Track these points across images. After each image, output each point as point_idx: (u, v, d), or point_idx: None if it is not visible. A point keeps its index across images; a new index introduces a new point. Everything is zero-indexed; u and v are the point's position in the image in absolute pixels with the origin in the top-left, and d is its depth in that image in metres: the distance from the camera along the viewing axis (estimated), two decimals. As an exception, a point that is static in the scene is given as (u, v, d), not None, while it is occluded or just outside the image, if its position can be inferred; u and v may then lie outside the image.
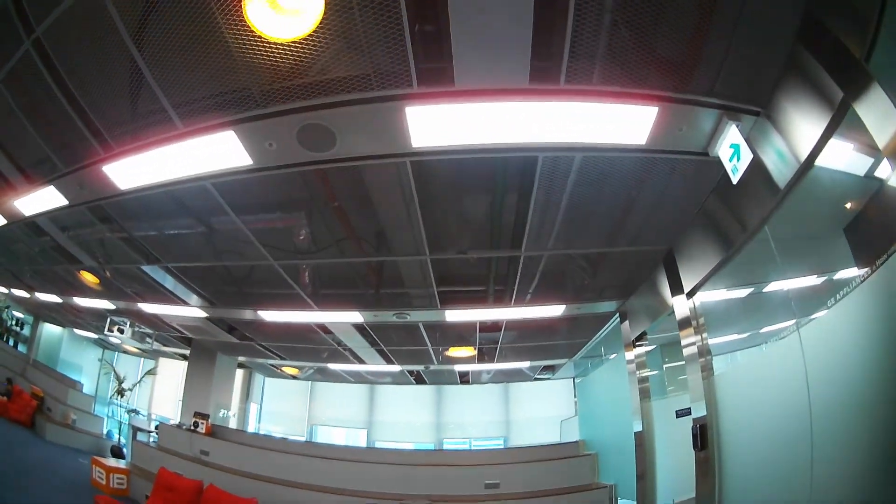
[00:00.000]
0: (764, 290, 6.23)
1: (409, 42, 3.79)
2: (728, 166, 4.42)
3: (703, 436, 5.92)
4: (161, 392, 21.11)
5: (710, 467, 5.81)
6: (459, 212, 6.26)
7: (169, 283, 9.70)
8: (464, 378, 18.51)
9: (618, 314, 9.76)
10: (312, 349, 14.77)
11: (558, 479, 10.88)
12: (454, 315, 9.62)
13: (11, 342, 19.48)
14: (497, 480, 10.64)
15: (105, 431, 18.13)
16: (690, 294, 6.49)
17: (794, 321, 4.58)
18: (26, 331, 19.97)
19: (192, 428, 13.52)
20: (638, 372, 8.93)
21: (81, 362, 20.88)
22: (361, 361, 15.38)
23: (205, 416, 13.80)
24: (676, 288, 6.82)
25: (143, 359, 21.86)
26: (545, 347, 13.58)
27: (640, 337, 8.80)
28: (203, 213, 6.62)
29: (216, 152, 5.00)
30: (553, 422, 17.45)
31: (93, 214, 7.22)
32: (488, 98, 4.17)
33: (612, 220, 6.23)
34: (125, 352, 21.08)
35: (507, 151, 4.78)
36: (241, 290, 9.53)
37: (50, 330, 20.11)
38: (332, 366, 16.93)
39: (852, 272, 3.88)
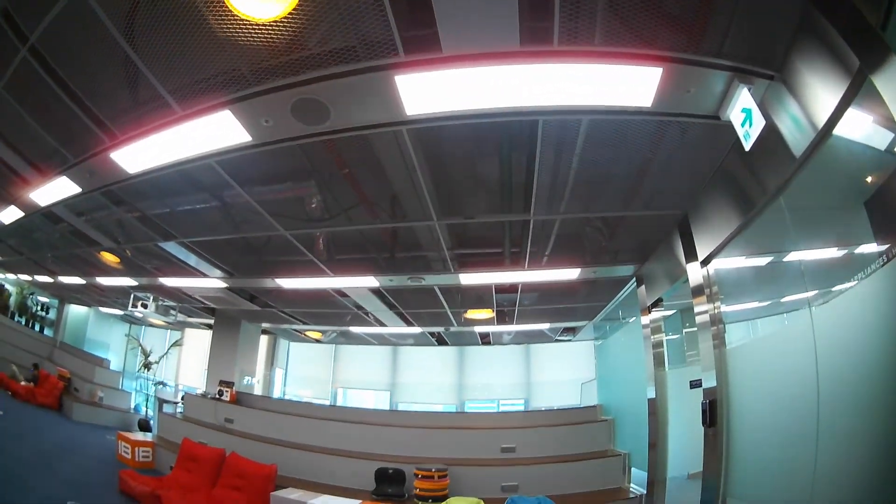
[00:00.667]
0: (779, 261, 6.04)
1: (390, 10, 3.70)
2: (740, 131, 4.19)
3: (712, 411, 5.77)
4: (188, 363, 21.43)
5: (718, 444, 5.67)
6: (465, 177, 6.12)
7: (187, 257, 9.92)
8: (485, 339, 18.44)
9: (634, 278, 9.59)
10: (333, 314, 14.80)
11: (574, 444, 10.85)
12: (469, 278, 9.50)
13: (38, 327, 20.02)
14: (513, 444, 10.64)
15: (133, 406, 18.53)
16: (705, 262, 6.26)
17: (808, 294, 4.45)
18: (52, 314, 20.45)
19: (217, 396, 13.87)
20: (653, 337, 8.80)
21: (108, 339, 21.30)
22: (382, 324, 15.37)
23: (229, 384, 14.12)
24: (691, 254, 6.59)
25: (169, 331, 22.13)
26: (564, 310, 13.46)
27: (657, 303, 8.66)
28: (211, 189, 6.74)
29: (216, 132, 5.10)
30: (574, 384, 17.54)
31: (107, 199, 7.43)
32: (478, 63, 4.02)
33: (626, 184, 6.04)
34: (151, 325, 21.38)
35: (503, 116, 4.59)
36: (258, 259, 9.63)
37: (76, 311, 20.54)
38: (354, 329, 17.27)
39: (871, 248, 3.65)
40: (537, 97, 4.31)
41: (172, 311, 15.13)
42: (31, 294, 19.77)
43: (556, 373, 19.58)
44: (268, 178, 6.36)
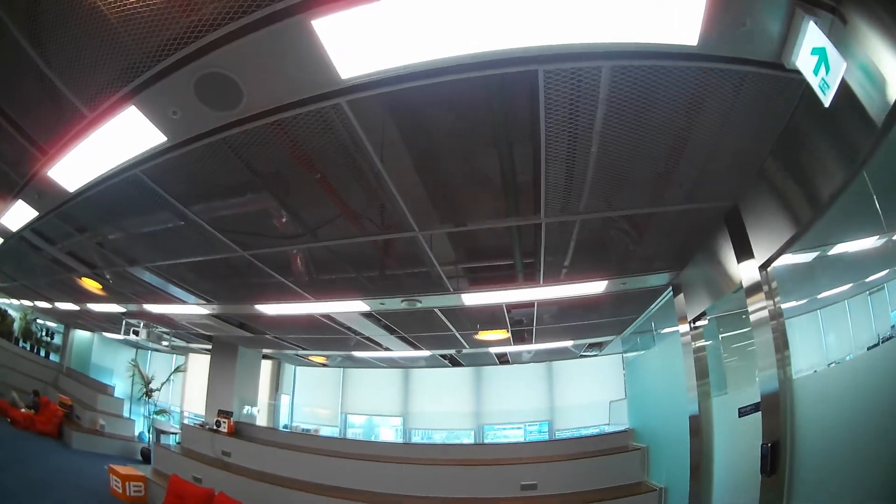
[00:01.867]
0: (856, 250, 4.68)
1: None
2: (813, 81, 2.87)
3: (774, 458, 4.59)
4: (193, 389, 20.56)
5: (777, 497, 4.56)
6: (448, 170, 4.82)
7: (160, 283, 9.16)
8: (502, 359, 17.21)
9: (671, 287, 8.25)
10: (331, 339, 13.56)
11: (603, 477, 9.77)
12: (473, 299, 8.34)
13: (43, 353, 19.95)
14: (534, 481, 9.64)
15: (137, 434, 18.13)
16: (765, 265, 4.90)
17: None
18: (57, 339, 20.47)
19: (214, 427, 13.21)
20: (694, 343, 7.49)
21: (113, 364, 21.02)
22: (386, 349, 14.40)
23: (227, 415, 13.46)
24: (745, 255, 5.26)
25: (174, 356, 21.50)
26: (589, 326, 11.93)
27: (699, 317, 7.30)
28: (153, 208, 5.90)
29: (130, 135, 4.32)
30: (601, 403, 15.99)
31: (67, 224, 6.98)
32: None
33: (660, 168, 4.67)
34: (157, 350, 20.93)
35: (484, 67, 3.22)
36: (234, 284, 8.72)
37: (81, 336, 20.44)
38: (358, 353, 16.02)
39: None
40: (534, 32, 2.95)
41: (165, 338, 14.69)
42: (35, 319, 19.56)
43: (582, 391, 18.05)
44: (208, 190, 5.42)
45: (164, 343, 14.56)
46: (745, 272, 5.25)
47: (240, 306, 10.08)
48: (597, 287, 8.00)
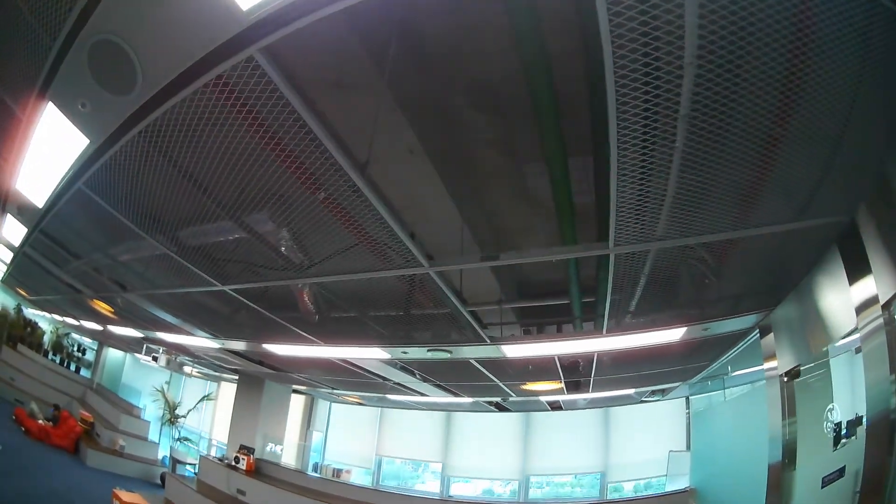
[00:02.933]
0: None
1: None
2: None
3: None
4: (223, 417, 19.46)
5: None
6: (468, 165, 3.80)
7: (160, 313, 8.32)
8: (554, 405, 15.62)
9: (757, 329, 6.75)
10: (358, 382, 12.33)
11: None
12: (515, 350, 6.92)
13: (73, 367, 19.65)
14: None
15: (161, 458, 17.37)
16: (888, 304, 3.53)
17: None
18: (89, 356, 20.34)
19: (234, 463, 12.45)
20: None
21: (143, 387, 20.57)
22: (421, 394, 13.06)
23: (249, 451, 12.78)
24: (863, 288, 3.89)
25: (208, 381, 20.69)
26: (653, 375, 10.48)
27: (794, 373, 5.87)
28: (113, 231, 5.27)
29: (60, 140, 3.87)
30: (659, 452, 14.47)
31: (52, 241, 6.49)
32: None
33: (753, 170, 3.25)
34: (190, 375, 20.19)
35: None
36: (232, 320, 7.65)
37: (113, 354, 20.23)
38: (393, 396, 14.73)
39: None
40: None
41: (188, 366, 14.24)
42: (68, 334, 19.28)
43: (640, 439, 16.20)
44: (158, 206, 4.50)
45: (188, 370, 14.18)
46: (864, 311, 3.93)
47: (248, 343, 8.95)
48: (672, 335, 6.53)
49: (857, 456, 4.52)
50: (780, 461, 6.01)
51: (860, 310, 3.96)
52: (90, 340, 19.96)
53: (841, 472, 4.73)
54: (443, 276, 4.65)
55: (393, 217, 3.75)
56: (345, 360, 9.03)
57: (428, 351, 7.15)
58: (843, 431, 5.26)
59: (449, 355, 7.30)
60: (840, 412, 5.38)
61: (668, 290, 5.34)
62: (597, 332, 6.27)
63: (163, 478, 14.99)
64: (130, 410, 18.34)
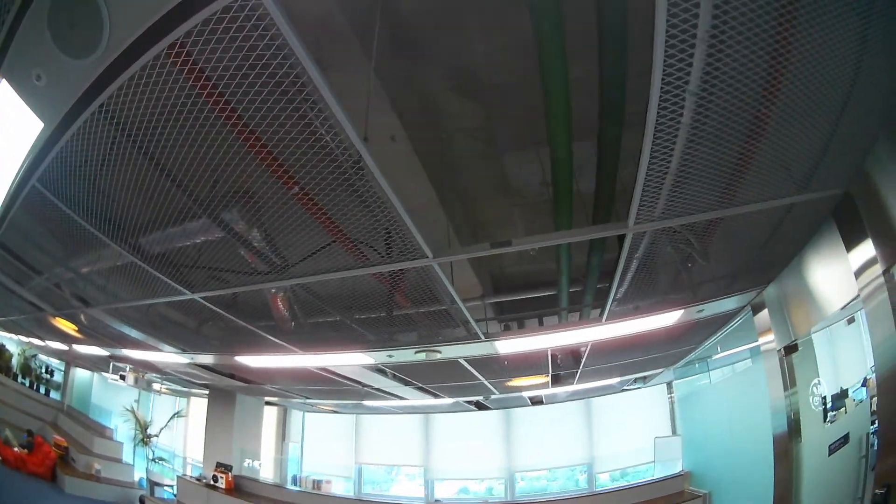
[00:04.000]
0: None
1: None
2: None
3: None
4: (195, 433, 18.51)
5: None
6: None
7: (124, 328, 7.57)
8: (535, 400, 15.28)
9: (749, 307, 6.67)
10: (335, 391, 11.82)
11: None
12: (511, 346, 6.54)
13: (42, 390, 18.51)
14: None
15: (137, 479, 16.49)
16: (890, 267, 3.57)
17: None
18: (58, 377, 19.05)
19: (212, 483, 12.01)
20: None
21: (113, 406, 19.27)
22: (401, 398, 12.62)
23: (226, 469, 12.23)
24: (864, 261, 3.87)
25: (177, 398, 19.86)
26: (640, 362, 10.21)
27: (792, 348, 5.83)
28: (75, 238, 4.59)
29: (12, 127, 3.30)
30: (645, 439, 14.22)
31: (12, 257, 5.82)
32: None
33: (780, 131, 2.98)
34: (160, 392, 19.42)
35: None
36: (201, 332, 7.10)
37: (81, 375, 19.08)
38: (370, 403, 14.26)
39: None
40: None
41: (156, 385, 13.81)
42: (34, 356, 18.02)
43: (624, 428, 15.79)
44: (120, 201, 3.87)
45: (156, 388, 13.72)
46: (867, 283, 3.94)
47: (219, 356, 8.40)
48: (667, 319, 6.30)
49: (860, 423, 4.80)
50: (785, 432, 5.93)
51: (860, 273, 3.97)
52: (57, 361, 18.77)
53: (845, 439, 4.81)
54: (443, 268, 4.17)
55: (399, 199, 3.24)
56: (323, 368, 8.46)
57: (416, 353, 6.63)
58: (829, 405, 5.35)
59: (439, 356, 6.81)
60: (826, 386, 5.45)
61: (666, 273, 5.16)
62: (595, 321, 5.95)
63: (142, 500, 14.52)
64: (102, 432, 17.53)
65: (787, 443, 5.96)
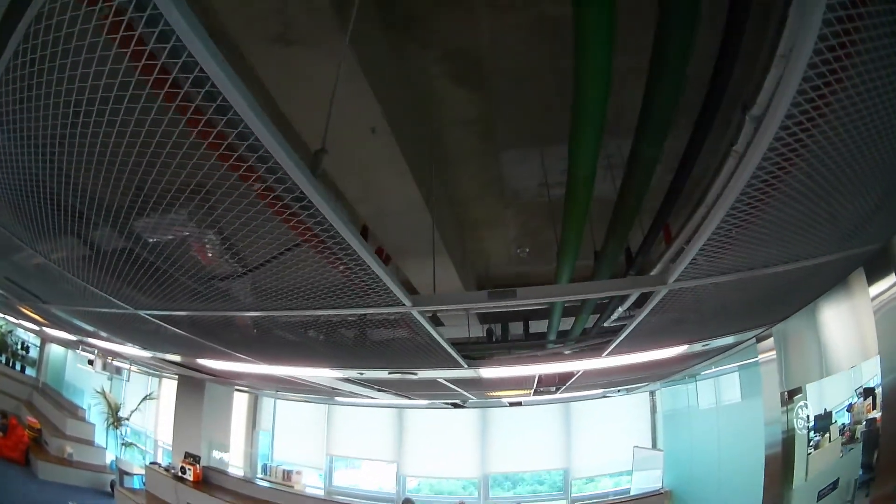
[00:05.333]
0: None
1: None
2: None
3: None
4: (167, 416, 17.82)
5: None
6: None
7: (79, 322, 6.94)
8: (514, 402, 14.63)
9: (754, 338, 6.35)
10: (305, 390, 11.32)
11: None
12: (495, 373, 5.99)
13: (19, 367, 17.73)
14: None
15: (109, 462, 15.73)
16: None
17: None
18: (34, 352, 18.20)
19: (180, 474, 11.44)
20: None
21: (86, 385, 18.36)
22: (373, 397, 12.01)
23: (194, 459, 11.67)
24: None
25: (150, 378, 18.78)
26: (629, 380, 9.99)
27: (795, 391, 5.61)
28: None
29: None
30: (623, 445, 13.72)
31: None
32: None
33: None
34: (128, 379, 18.18)
35: None
36: (154, 335, 6.18)
37: (56, 351, 18.16)
38: (342, 399, 13.75)
39: None
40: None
41: (124, 372, 13.15)
42: (11, 331, 17.12)
43: (603, 433, 15.20)
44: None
45: (124, 374, 13.07)
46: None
47: (182, 357, 7.82)
48: (671, 352, 5.92)
49: (850, 468, 4.60)
50: (778, 470, 5.81)
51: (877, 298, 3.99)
52: (33, 336, 17.73)
53: (835, 485, 4.70)
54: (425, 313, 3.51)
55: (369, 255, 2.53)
56: (289, 376, 7.81)
57: (390, 373, 6.00)
58: (812, 424, 5.19)
59: (415, 377, 6.19)
60: (811, 407, 5.28)
61: (683, 318, 4.58)
62: (594, 353, 5.43)
63: (112, 485, 13.89)
64: (75, 412, 16.86)
65: (779, 486, 5.75)
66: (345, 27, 2.11)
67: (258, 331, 4.58)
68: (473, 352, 5.46)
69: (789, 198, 2.27)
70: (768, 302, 4.68)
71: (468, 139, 3.56)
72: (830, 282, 4.42)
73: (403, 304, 3.08)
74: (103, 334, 7.30)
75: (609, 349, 4.96)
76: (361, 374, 6.15)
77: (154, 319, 4.42)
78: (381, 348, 4.97)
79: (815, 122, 1.75)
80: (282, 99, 2.56)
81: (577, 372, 6.89)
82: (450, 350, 4.41)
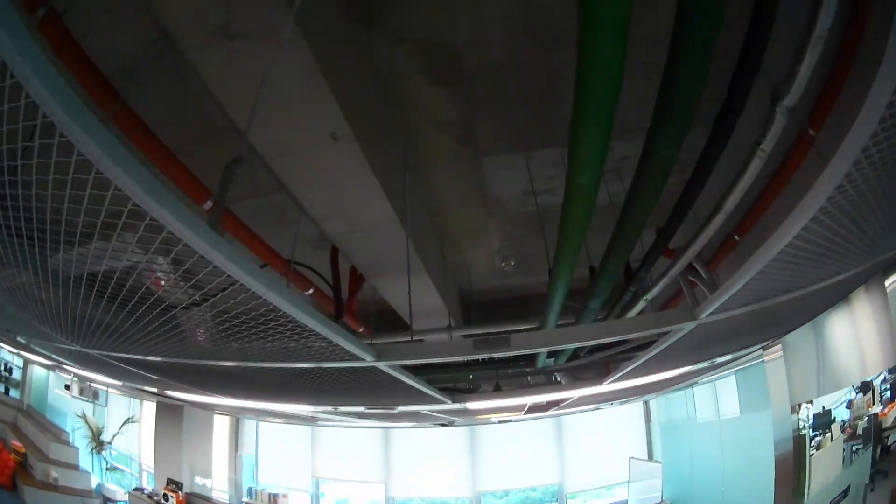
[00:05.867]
0: None
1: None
2: None
3: None
4: (149, 438, 17.37)
5: None
6: None
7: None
8: (503, 420, 13.93)
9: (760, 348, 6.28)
10: (285, 415, 11.12)
11: None
12: (483, 405, 5.79)
13: (3, 388, 17.17)
14: None
15: (94, 486, 15.42)
16: None
17: None
18: (17, 374, 17.69)
19: (163, 501, 11.78)
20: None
21: (69, 407, 17.72)
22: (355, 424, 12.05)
23: (177, 486, 11.90)
24: None
25: (132, 399, 18.30)
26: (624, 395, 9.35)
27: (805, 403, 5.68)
28: None
29: None
30: (618, 456, 13.51)
31: None
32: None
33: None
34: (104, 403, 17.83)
35: None
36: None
37: (39, 373, 17.76)
38: (324, 420, 12.81)
39: None
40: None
41: (102, 393, 13.46)
42: None
43: (597, 444, 14.88)
44: None
45: (98, 401, 13.57)
46: None
47: (149, 387, 7.51)
48: (675, 372, 5.84)
49: (858, 473, 4.62)
50: (788, 487, 5.79)
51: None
52: (16, 358, 17.08)
53: (846, 493, 4.70)
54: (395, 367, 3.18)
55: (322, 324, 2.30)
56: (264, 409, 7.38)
57: (368, 408, 5.68)
58: (811, 422, 5.27)
59: (395, 411, 5.88)
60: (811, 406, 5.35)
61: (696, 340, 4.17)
62: (593, 381, 5.32)
63: None
64: (59, 435, 16.38)
65: (789, 462, 5.77)
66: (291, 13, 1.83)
67: (219, 373, 4.18)
68: (458, 372, 5.20)
69: (846, 214, 1.89)
70: (783, 318, 4.33)
71: (446, 144, 3.36)
72: (848, 290, 4.30)
73: (364, 360, 2.70)
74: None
75: (613, 377, 4.64)
76: (335, 408, 5.72)
77: (107, 358, 3.95)
78: (356, 388, 4.53)
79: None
80: (226, 99, 2.23)
81: (572, 397, 6.55)
82: (429, 391, 4.01)
